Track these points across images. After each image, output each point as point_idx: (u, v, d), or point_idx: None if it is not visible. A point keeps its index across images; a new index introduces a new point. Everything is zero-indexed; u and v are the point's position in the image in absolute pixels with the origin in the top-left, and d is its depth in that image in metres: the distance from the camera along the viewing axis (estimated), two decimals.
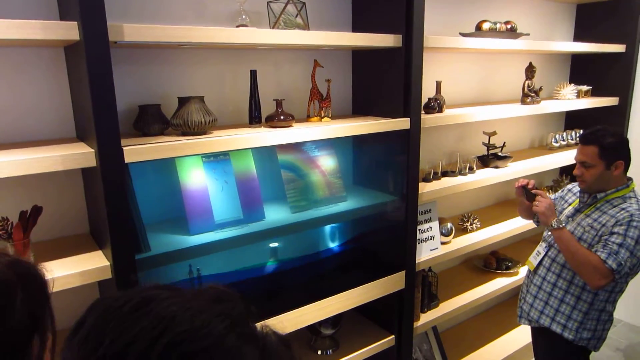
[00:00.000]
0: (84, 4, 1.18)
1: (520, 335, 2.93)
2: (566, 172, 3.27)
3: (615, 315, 3.32)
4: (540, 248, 2.08)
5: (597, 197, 1.92)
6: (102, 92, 1.25)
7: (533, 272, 2.08)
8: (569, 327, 1.94)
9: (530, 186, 2.01)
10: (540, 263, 2.05)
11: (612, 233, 1.79)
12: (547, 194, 2.09)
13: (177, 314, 0.51)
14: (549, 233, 2.04)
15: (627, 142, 1.89)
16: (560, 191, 2.22)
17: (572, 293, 1.92)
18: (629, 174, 1.95)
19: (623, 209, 1.83)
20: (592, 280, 1.76)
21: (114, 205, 1.32)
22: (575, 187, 2.11)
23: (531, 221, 2.68)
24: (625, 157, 1.88)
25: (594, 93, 3.19)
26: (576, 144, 3.18)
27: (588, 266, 1.75)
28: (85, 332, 0.52)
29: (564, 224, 1.86)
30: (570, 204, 2.06)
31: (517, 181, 2.07)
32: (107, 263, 1.39)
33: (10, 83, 1.47)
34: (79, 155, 1.29)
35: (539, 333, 2.11)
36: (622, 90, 3.13)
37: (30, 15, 1.44)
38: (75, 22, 1.22)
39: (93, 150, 1.31)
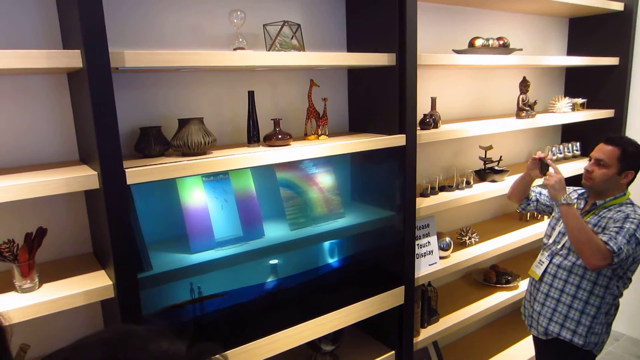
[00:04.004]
0: (87, 33, 1.23)
1: (522, 350, 2.93)
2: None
3: (619, 329, 3.35)
4: (543, 257, 2.09)
5: (596, 204, 1.96)
6: (104, 116, 1.29)
7: (538, 281, 2.10)
8: (579, 332, 1.95)
9: (549, 159, 2.05)
10: (545, 271, 2.06)
11: (610, 226, 1.86)
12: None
13: None
14: (550, 241, 2.07)
15: None
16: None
17: (580, 298, 1.94)
18: None
19: (619, 210, 1.90)
20: (593, 259, 1.77)
21: (116, 225, 1.36)
22: (578, 189, 2.13)
23: (529, 234, 2.71)
24: (637, 170, 1.93)
25: (590, 106, 3.23)
26: (574, 156, 3.22)
27: (591, 244, 1.77)
28: None
29: (573, 201, 1.87)
30: None
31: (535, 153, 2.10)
32: (110, 282, 1.42)
33: (16, 109, 1.52)
34: (83, 177, 1.33)
35: (545, 346, 2.11)
36: (617, 102, 3.17)
37: (35, 42, 1.49)
38: (79, 51, 1.27)
39: (96, 172, 1.35)
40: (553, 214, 2.17)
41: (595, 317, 1.94)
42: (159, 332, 0.55)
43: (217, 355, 0.56)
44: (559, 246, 2.03)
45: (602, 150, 1.94)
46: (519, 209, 2.32)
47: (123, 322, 0.59)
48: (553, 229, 2.12)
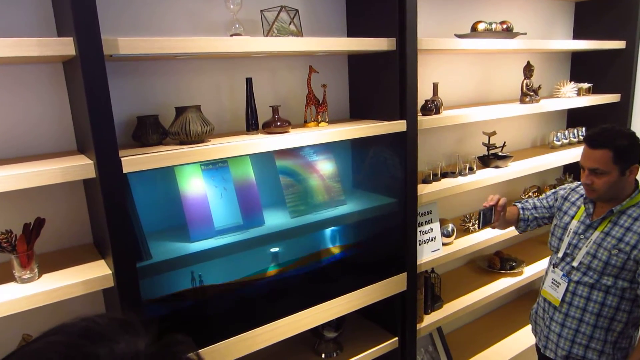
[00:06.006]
0: (78, 19, 1.22)
1: (528, 336, 2.92)
2: (570, 171, 3.26)
3: None
4: (556, 276, 1.85)
5: (613, 212, 1.73)
6: (99, 104, 1.28)
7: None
8: (606, 351, 1.76)
9: (499, 208, 1.91)
10: (564, 290, 1.83)
11: None
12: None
13: None
14: (560, 255, 1.85)
15: (639, 141, 1.69)
16: (561, 188, 2.03)
17: (606, 315, 1.74)
18: None
19: None
20: None
21: (114, 214, 1.35)
22: (578, 188, 1.95)
23: None
24: (638, 159, 1.69)
25: (595, 90, 3.18)
26: (579, 142, 3.17)
27: None
28: None
29: None
30: (572, 217, 1.88)
31: (489, 198, 1.94)
32: (109, 272, 1.42)
33: (13, 99, 1.51)
34: (78, 167, 1.32)
35: None
36: (623, 86, 3.11)
37: (31, 31, 1.48)
38: (71, 38, 1.25)
39: (92, 161, 1.34)
40: (555, 222, 1.96)
41: (622, 332, 1.75)
42: (122, 327, 0.51)
43: (190, 354, 0.53)
44: (576, 263, 1.79)
45: (592, 157, 1.67)
46: (518, 231, 2.14)
47: (81, 317, 0.53)
48: (560, 239, 1.89)
